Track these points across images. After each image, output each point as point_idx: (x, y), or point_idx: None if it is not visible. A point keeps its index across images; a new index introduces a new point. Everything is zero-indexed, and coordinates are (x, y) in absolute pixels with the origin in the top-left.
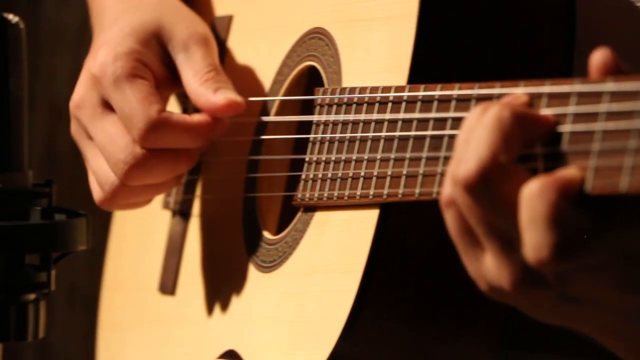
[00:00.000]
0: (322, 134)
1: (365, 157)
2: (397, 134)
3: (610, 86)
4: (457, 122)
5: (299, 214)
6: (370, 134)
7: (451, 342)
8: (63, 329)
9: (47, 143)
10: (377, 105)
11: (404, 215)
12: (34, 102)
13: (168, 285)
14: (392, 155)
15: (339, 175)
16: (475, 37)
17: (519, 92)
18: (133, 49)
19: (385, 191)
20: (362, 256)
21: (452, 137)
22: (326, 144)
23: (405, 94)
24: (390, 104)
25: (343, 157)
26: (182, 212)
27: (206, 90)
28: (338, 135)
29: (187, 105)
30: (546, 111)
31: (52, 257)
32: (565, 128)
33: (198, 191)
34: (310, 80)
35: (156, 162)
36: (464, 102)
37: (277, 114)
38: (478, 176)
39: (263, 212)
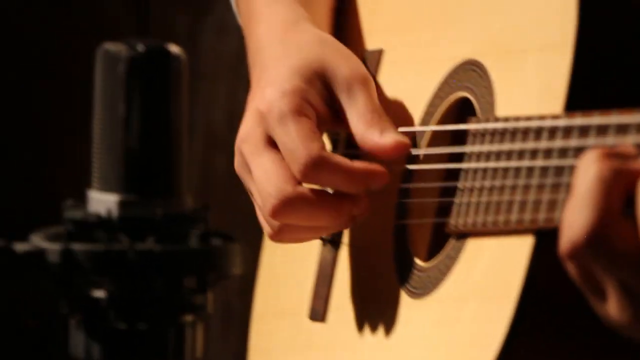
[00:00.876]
0: (476, 162)
1: (521, 183)
2: (554, 162)
3: None
4: None
5: (451, 241)
6: (526, 162)
7: None
8: (218, 350)
9: (203, 168)
10: (532, 133)
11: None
12: (191, 128)
13: (319, 312)
14: (549, 182)
15: (493, 201)
16: (632, 66)
17: None
18: (299, 87)
19: (542, 217)
20: (516, 284)
21: None
22: (480, 172)
23: (561, 121)
24: (545, 132)
25: (497, 184)
26: (332, 240)
27: (372, 133)
28: (492, 163)
29: (338, 137)
30: None
31: (209, 280)
32: None
33: None
34: (462, 111)
35: (304, 203)
36: (622, 130)
37: (429, 143)
38: (588, 239)
39: (414, 239)
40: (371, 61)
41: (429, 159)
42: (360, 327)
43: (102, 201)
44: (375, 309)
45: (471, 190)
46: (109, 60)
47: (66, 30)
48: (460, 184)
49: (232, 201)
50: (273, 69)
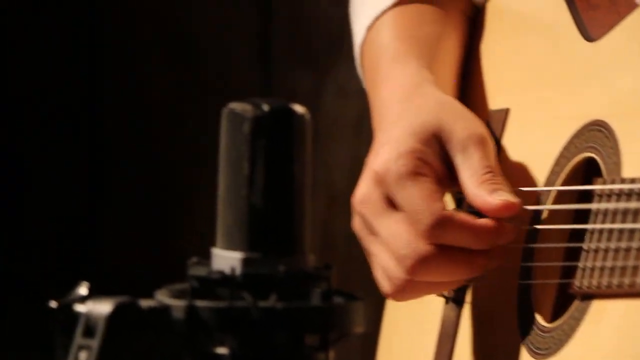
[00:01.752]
0: (601, 223)
1: None
2: None
3: None
4: None
5: (575, 302)
6: None
7: None
8: None
9: (324, 228)
10: None
11: None
12: (313, 189)
13: None
14: None
15: (619, 264)
16: None
17: None
18: (415, 148)
19: None
20: None
21: None
22: (605, 233)
23: None
24: None
25: (623, 246)
26: (456, 299)
27: (483, 191)
28: (618, 225)
29: (462, 196)
30: None
31: (331, 338)
32: None
33: None
34: (587, 171)
35: (440, 259)
36: None
37: (554, 203)
38: None
39: (538, 300)
40: (496, 121)
41: (553, 219)
42: None
43: (226, 258)
44: None
45: (596, 251)
46: (235, 119)
47: (193, 90)
48: (585, 245)
49: (353, 260)
50: (390, 130)
